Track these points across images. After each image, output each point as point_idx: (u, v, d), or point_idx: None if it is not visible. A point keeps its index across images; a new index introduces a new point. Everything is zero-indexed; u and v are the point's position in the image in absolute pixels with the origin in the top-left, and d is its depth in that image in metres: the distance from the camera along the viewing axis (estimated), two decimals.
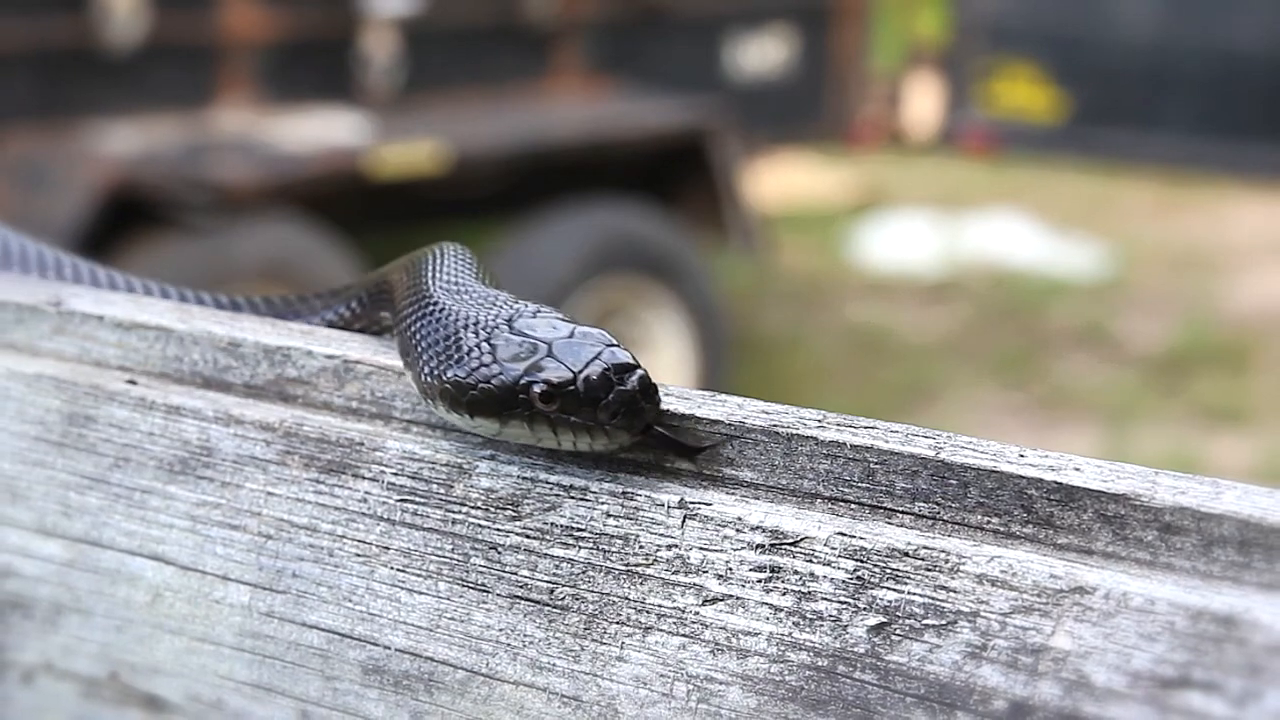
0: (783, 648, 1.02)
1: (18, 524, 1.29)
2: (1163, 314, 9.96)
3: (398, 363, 1.22)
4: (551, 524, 1.10)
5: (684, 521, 1.07)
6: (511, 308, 1.16)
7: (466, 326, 1.14)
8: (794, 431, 1.07)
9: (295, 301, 1.40)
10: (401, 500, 1.16)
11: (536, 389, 1.08)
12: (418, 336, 1.17)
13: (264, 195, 7.09)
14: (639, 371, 1.08)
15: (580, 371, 1.08)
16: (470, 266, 1.26)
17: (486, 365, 1.10)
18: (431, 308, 1.18)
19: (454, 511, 1.14)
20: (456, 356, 1.12)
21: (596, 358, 1.09)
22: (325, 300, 1.39)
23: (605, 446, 1.08)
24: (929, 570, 0.99)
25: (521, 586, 1.11)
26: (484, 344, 1.12)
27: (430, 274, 1.23)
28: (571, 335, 1.11)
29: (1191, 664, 0.90)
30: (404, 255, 1.33)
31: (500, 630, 1.11)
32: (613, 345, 1.11)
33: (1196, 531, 0.96)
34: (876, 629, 0.99)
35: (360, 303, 1.35)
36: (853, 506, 1.04)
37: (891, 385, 8.61)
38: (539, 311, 1.15)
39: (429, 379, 1.13)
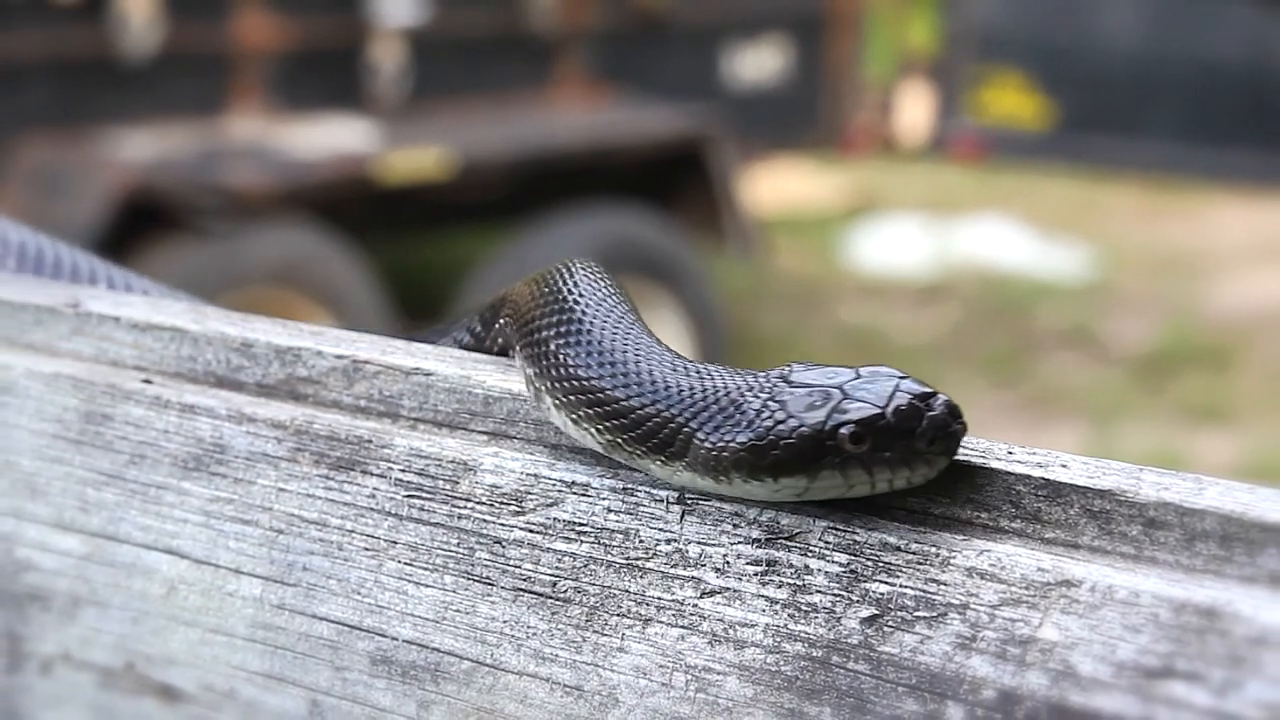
0: (778, 639, 1.02)
1: (37, 519, 1.30)
2: (1147, 315, 9.96)
3: (405, 362, 1.22)
4: (554, 519, 1.11)
5: (683, 516, 1.07)
6: (774, 370, 1.07)
7: (741, 392, 1.05)
8: None
9: (433, 331, 1.36)
10: (408, 496, 1.16)
11: (845, 431, 1.00)
12: (672, 415, 1.06)
13: (275, 200, 7.12)
14: (941, 395, 1.02)
15: (886, 405, 1.01)
16: (619, 310, 1.17)
17: (782, 421, 1.02)
18: (669, 385, 1.08)
19: (459, 507, 1.15)
20: (742, 421, 1.04)
21: (896, 389, 1.02)
22: (455, 324, 1.34)
23: (925, 476, 1.02)
24: (920, 564, 1.00)
25: (525, 580, 1.11)
26: (771, 402, 1.04)
27: (621, 339, 1.13)
28: (858, 375, 1.05)
29: (1175, 655, 0.91)
30: (531, 279, 1.24)
31: (504, 622, 1.11)
32: (904, 376, 1.04)
33: (1180, 526, 0.97)
34: (869, 621, 1.00)
35: (481, 323, 1.29)
36: (846, 502, 1.04)
37: None
38: (808, 366, 1.08)
39: (713, 453, 1.04)
